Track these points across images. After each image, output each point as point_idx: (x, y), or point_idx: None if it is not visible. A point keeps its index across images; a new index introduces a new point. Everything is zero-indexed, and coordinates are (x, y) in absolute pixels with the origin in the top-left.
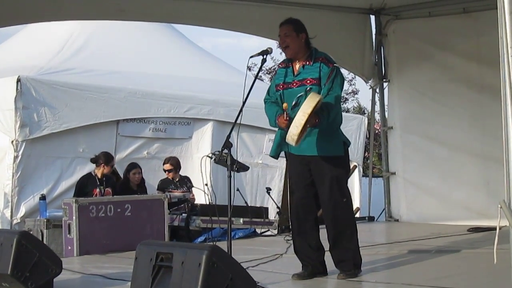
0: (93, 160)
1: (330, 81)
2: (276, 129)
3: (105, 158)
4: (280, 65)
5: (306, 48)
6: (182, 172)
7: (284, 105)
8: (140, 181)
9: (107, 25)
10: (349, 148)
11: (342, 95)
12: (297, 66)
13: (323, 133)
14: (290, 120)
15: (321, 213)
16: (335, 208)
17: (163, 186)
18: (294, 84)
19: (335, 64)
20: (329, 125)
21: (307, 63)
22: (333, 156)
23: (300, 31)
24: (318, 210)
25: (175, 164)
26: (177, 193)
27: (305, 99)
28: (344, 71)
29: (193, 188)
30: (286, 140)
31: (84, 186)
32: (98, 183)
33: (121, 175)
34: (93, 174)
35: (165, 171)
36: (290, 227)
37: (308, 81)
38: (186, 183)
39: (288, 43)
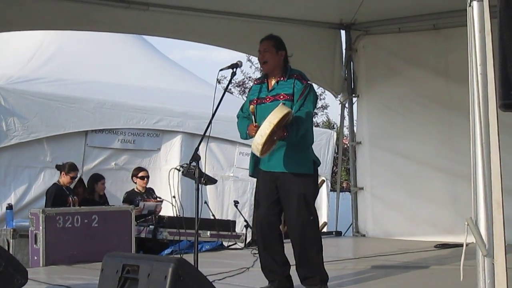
0: (58, 167)
1: (302, 98)
2: (249, 142)
3: (67, 168)
4: (255, 82)
5: (283, 65)
6: (150, 184)
7: (251, 107)
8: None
9: (77, 35)
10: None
11: (313, 112)
12: (272, 82)
13: (293, 150)
14: (258, 128)
15: (286, 228)
16: (301, 226)
17: (130, 198)
18: (268, 99)
19: (309, 82)
20: (300, 143)
21: (282, 79)
22: (302, 174)
23: (279, 48)
24: (283, 226)
25: (147, 173)
26: (151, 202)
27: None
28: (314, 86)
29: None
30: (252, 149)
31: (58, 196)
32: (68, 193)
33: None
34: (59, 184)
35: (141, 178)
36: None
37: (282, 97)
38: (152, 194)
39: (267, 58)
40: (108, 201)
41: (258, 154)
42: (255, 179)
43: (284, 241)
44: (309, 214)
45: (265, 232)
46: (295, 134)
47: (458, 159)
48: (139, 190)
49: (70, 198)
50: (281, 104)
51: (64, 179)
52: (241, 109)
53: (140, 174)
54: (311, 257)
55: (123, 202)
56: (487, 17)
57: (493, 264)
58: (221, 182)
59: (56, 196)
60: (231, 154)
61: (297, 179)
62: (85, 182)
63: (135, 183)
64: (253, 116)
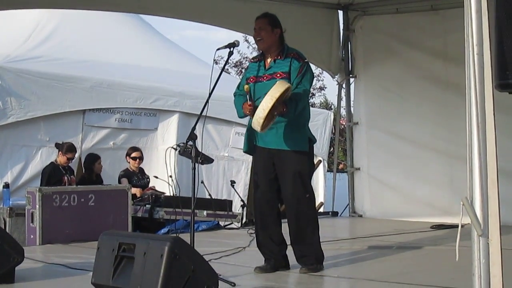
0: (57, 145)
1: (300, 76)
2: (244, 122)
3: (65, 148)
4: (252, 60)
5: (279, 44)
6: (147, 163)
7: (246, 87)
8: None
9: (74, 14)
10: (314, 144)
11: (310, 90)
12: (269, 60)
13: (289, 127)
14: (255, 107)
15: (283, 208)
16: (297, 203)
17: (127, 176)
18: (265, 77)
19: (306, 60)
20: (296, 120)
21: (279, 57)
22: (297, 151)
23: (275, 26)
24: (281, 205)
25: (141, 154)
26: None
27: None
28: (311, 66)
29: (158, 180)
30: (252, 125)
31: (53, 175)
32: (64, 172)
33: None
34: (56, 163)
35: (134, 158)
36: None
37: (278, 75)
38: (144, 174)
39: (262, 36)
40: (103, 180)
41: (258, 128)
42: (249, 160)
43: (282, 220)
44: (305, 191)
45: (263, 210)
46: (293, 110)
47: (455, 140)
48: (133, 170)
49: (66, 177)
50: (281, 80)
51: (61, 158)
52: (238, 87)
53: (133, 155)
54: (306, 234)
55: (120, 178)
56: None
57: (488, 243)
58: (215, 162)
59: (51, 175)
60: (227, 134)
61: (292, 156)
62: (82, 160)
63: (129, 162)
64: (247, 95)
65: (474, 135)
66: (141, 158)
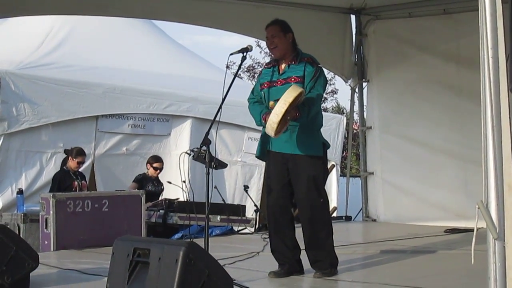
0: (66, 152)
1: (313, 81)
2: (260, 128)
3: (74, 153)
4: (266, 66)
5: (293, 48)
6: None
7: (271, 103)
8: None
9: (87, 20)
10: (328, 149)
11: (323, 94)
12: (283, 65)
13: (303, 132)
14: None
15: (297, 212)
16: (311, 208)
17: (142, 181)
18: (279, 82)
19: (319, 65)
20: (310, 125)
21: (293, 62)
22: (312, 156)
23: (287, 31)
24: (294, 210)
25: (162, 166)
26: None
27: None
28: (324, 70)
29: (171, 185)
30: (266, 130)
31: (62, 181)
32: (74, 177)
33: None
34: (66, 169)
35: (155, 168)
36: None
37: (293, 79)
38: (159, 182)
39: (276, 43)
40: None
41: (272, 133)
42: (262, 165)
43: (296, 225)
44: (319, 196)
45: (276, 216)
46: (306, 114)
47: (469, 144)
48: (151, 175)
49: (76, 183)
50: (294, 84)
51: (71, 163)
52: (252, 92)
53: (155, 165)
54: (320, 239)
55: (133, 181)
56: (498, 0)
57: (504, 247)
58: (228, 167)
59: (61, 180)
60: (239, 139)
61: (307, 161)
62: (97, 167)
63: (148, 169)
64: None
65: (489, 139)
66: (161, 170)
